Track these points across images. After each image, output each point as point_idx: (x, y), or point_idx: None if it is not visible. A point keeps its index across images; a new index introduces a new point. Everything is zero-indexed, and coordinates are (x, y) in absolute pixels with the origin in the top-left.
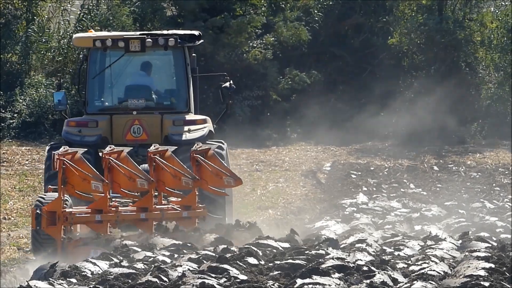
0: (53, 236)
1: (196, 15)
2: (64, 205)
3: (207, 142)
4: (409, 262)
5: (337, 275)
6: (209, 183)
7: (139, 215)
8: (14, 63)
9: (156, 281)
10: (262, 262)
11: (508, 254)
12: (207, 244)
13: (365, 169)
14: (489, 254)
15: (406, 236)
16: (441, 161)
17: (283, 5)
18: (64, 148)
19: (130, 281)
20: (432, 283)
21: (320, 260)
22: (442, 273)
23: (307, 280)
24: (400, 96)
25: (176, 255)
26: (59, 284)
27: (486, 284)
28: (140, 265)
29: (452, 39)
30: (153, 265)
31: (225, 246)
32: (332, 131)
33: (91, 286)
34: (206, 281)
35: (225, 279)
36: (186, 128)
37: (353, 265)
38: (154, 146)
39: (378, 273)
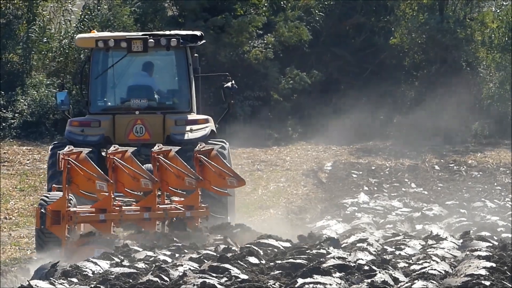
0: (57, 235)
1: (197, 14)
2: (69, 204)
3: (209, 141)
4: (410, 261)
5: (338, 274)
6: (212, 183)
7: (142, 214)
8: (15, 63)
9: (157, 281)
10: (263, 262)
11: (509, 253)
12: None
13: (366, 168)
14: (490, 254)
15: (407, 235)
16: (442, 160)
17: (284, 5)
18: (69, 148)
19: (131, 280)
20: (433, 283)
21: (321, 259)
22: (443, 272)
23: (308, 280)
24: (401, 95)
25: (177, 255)
26: (60, 283)
27: (487, 283)
28: (141, 265)
29: (453, 39)
30: (154, 265)
31: (226, 245)
32: (333, 131)
33: (92, 285)
34: (207, 280)
35: (226, 279)
36: (188, 127)
37: (354, 264)
38: (158, 146)
39: (379, 272)
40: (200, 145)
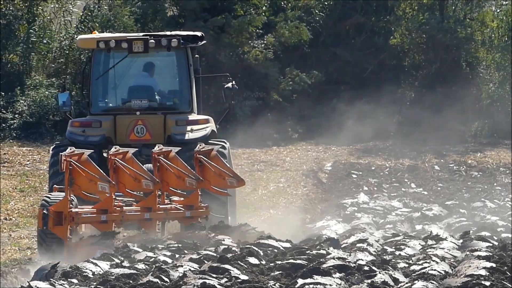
0: (59, 236)
1: (197, 15)
2: (70, 205)
3: (210, 141)
4: (410, 261)
5: (338, 275)
6: (212, 184)
7: (143, 215)
8: (15, 64)
9: (157, 282)
10: (263, 262)
11: (509, 253)
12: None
13: (366, 168)
14: (490, 254)
15: (407, 235)
16: (442, 160)
17: (284, 5)
18: (70, 149)
19: (131, 281)
20: (433, 283)
21: (321, 260)
22: (443, 272)
23: (308, 280)
24: (401, 95)
25: (177, 255)
26: (60, 284)
27: (487, 283)
28: (141, 266)
29: (453, 39)
30: (154, 266)
31: (226, 246)
32: (333, 131)
33: (92, 286)
34: (207, 281)
35: (226, 279)
36: (188, 128)
37: (354, 265)
38: (158, 147)
39: (379, 272)
40: (200, 145)
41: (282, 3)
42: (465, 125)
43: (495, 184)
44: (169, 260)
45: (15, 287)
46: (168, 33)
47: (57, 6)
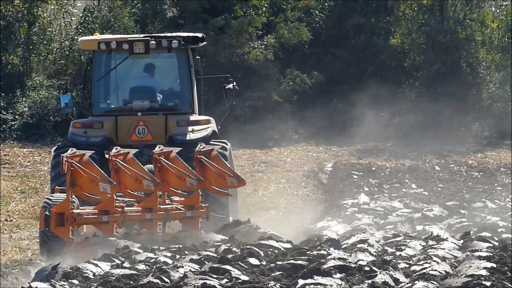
0: (61, 237)
1: (197, 15)
2: (72, 206)
3: (211, 142)
4: (411, 262)
5: (338, 275)
6: (213, 184)
7: (144, 215)
8: (15, 65)
9: (157, 282)
10: (264, 263)
11: (510, 253)
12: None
13: (366, 169)
14: (491, 254)
15: (408, 236)
16: (442, 161)
17: (284, 6)
18: (72, 150)
19: (131, 282)
20: (433, 283)
21: (321, 260)
22: (443, 273)
23: (309, 281)
24: (402, 96)
25: (177, 256)
26: (61, 285)
27: (488, 283)
28: (141, 266)
29: (453, 39)
30: (154, 266)
31: (227, 246)
32: (333, 132)
33: (93, 287)
34: (208, 282)
35: (227, 280)
36: (190, 128)
37: (355, 265)
38: (159, 147)
39: (380, 273)
40: (200, 145)
41: (282, 4)
42: (466, 125)
43: (495, 184)
44: (170, 261)
45: None
46: (169, 34)
47: (57, 7)
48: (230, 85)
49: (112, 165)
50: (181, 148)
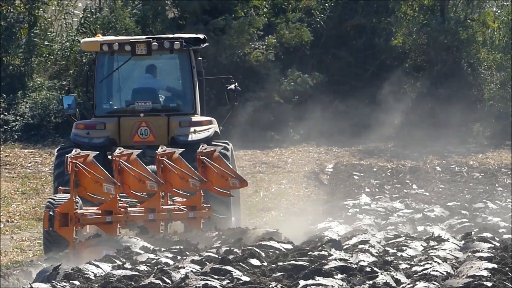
0: (65, 237)
1: (198, 16)
2: (76, 206)
3: (213, 143)
4: (412, 262)
5: (339, 276)
6: (215, 185)
7: (147, 216)
8: (16, 66)
9: (159, 283)
10: (265, 264)
11: (511, 254)
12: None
13: (367, 170)
14: (492, 255)
15: (409, 237)
16: (443, 161)
17: (285, 6)
18: (76, 151)
19: (133, 283)
20: (435, 284)
21: (323, 261)
22: (444, 273)
23: (310, 281)
24: (403, 96)
25: (179, 257)
26: (62, 286)
27: (489, 284)
28: (143, 267)
29: (454, 40)
30: (156, 267)
31: (228, 247)
32: (334, 132)
33: None
34: (209, 282)
35: (228, 281)
36: (192, 129)
37: (356, 266)
38: (162, 148)
39: (381, 274)
40: (202, 146)
41: (283, 4)
42: (467, 126)
43: (496, 185)
44: (171, 262)
45: None
46: (171, 35)
47: (58, 8)
48: (232, 86)
49: (116, 165)
50: (184, 150)
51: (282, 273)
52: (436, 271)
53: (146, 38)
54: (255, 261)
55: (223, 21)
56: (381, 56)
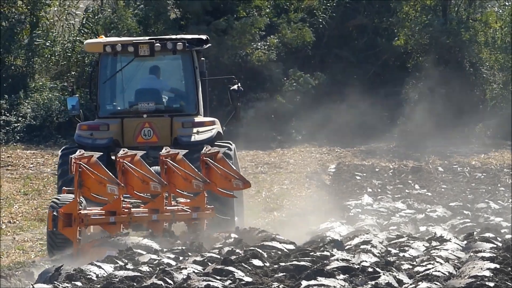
0: (69, 237)
1: (200, 17)
2: (79, 207)
3: (216, 143)
4: (414, 263)
5: (342, 276)
6: (218, 186)
7: (150, 216)
8: (18, 67)
9: (161, 284)
10: (267, 264)
11: None
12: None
13: (369, 170)
14: (494, 255)
15: (411, 237)
16: (445, 162)
17: (287, 7)
18: (80, 152)
19: (135, 284)
20: (437, 284)
21: (325, 261)
22: (447, 273)
23: (312, 282)
24: (405, 97)
25: (181, 258)
26: (64, 287)
27: (491, 284)
28: (145, 268)
29: (456, 40)
30: (158, 268)
31: (230, 248)
32: (336, 133)
33: None
34: (211, 283)
35: (230, 281)
36: (195, 130)
37: (358, 266)
38: (165, 149)
39: (383, 274)
40: (206, 147)
41: (285, 5)
42: (469, 126)
43: (498, 185)
44: (173, 263)
45: None
46: (173, 36)
47: (60, 9)
48: (235, 86)
49: (120, 166)
50: (187, 151)
51: (284, 273)
52: (438, 271)
53: (149, 39)
54: (257, 262)
55: (225, 22)
56: (383, 56)
